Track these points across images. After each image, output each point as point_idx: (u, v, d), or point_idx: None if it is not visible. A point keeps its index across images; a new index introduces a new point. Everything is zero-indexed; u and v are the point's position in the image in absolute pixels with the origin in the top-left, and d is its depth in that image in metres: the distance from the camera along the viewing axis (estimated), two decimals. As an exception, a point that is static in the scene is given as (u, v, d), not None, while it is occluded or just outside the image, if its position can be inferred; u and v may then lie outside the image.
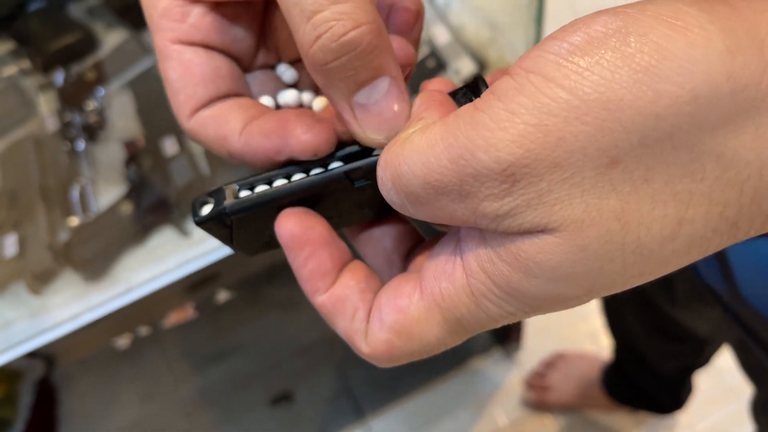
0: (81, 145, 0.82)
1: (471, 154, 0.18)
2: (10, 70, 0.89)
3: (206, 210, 0.24)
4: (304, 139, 0.24)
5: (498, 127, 0.17)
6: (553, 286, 0.19)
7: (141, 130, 0.83)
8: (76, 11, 0.94)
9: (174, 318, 0.87)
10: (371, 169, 0.23)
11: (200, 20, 0.25)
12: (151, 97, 0.86)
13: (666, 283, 0.81)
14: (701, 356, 0.99)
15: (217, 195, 0.24)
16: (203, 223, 0.24)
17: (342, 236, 0.26)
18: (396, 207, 0.21)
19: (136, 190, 0.78)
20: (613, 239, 0.18)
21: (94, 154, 0.83)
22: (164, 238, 0.77)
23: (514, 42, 0.82)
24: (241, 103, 0.26)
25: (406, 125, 0.22)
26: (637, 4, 0.17)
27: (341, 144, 0.25)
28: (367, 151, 0.24)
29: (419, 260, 0.26)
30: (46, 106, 0.86)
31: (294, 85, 0.29)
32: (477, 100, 0.19)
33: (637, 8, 0.17)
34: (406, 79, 0.25)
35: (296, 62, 0.29)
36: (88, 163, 0.82)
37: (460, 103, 0.23)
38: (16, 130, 0.86)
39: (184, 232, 0.76)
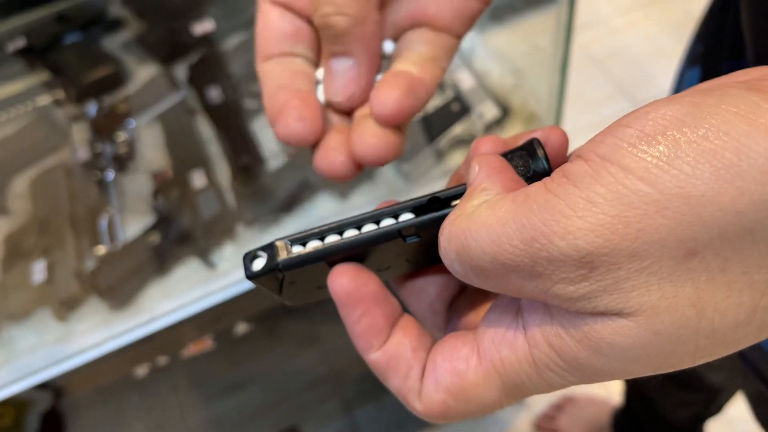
0: (111, 175, 0.84)
1: (547, 239, 0.18)
2: (44, 100, 0.92)
3: (258, 265, 0.25)
4: (278, 130, 0.28)
5: (576, 215, 0.18)
6: (622, 365, 0.19)
7: (169, 163, 0.85)
8: (110, 45, 0.97)
9: (192, 349, 0.88)
10: (422, 226, 0.24)
11: None
12: (180, 131, 0.89)
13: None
14: (713, 405, 0.99)
15: (269, 250, 0.24)
16: (255, 278, 0.25)
17: (388, 286, 0.27)
18: (459, 276, 0.22)
19: (163, 222, 0.80)
20: (687, 324, 0.18)
21: (123, 185, 0.85)
22: (189, 270, 0.78)
23: (537, 89, 0.84)
24: (288, 68, 0.30)
25: (469, 194, 0.22)
26: (707, 92, 0.18)
27: (396, 207, 0.25)
28: (418, 209, 0.25)
29: (467, 313, 0.27)
30: (78, 136, 0.88)
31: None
32: (548, 182, 0.19)
33: (714, 96, 0.17)
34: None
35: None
36: (117, 193, 0.83)
37: (518, 169, 0.24)
38: (48, 158, 0.88)
39: (209, 264, 0.77)
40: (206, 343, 0.88)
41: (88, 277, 0.77)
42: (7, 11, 0.99)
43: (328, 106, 0.30)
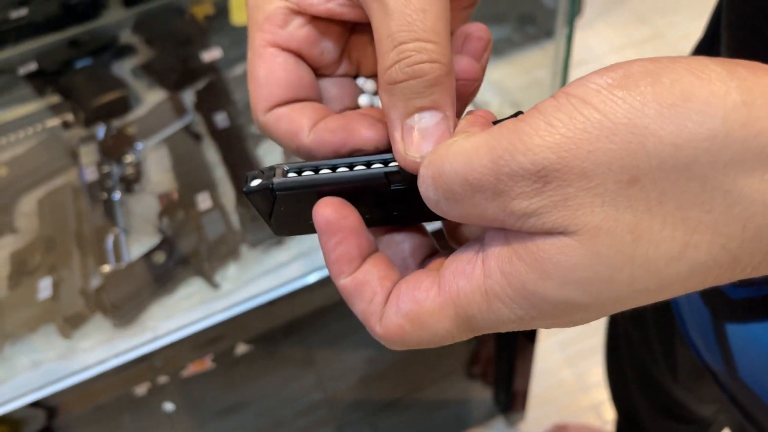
0: (117, 196, 0.86)
1: (510, 155, 0.20)
2: (54, 122, 0.94)
3: (255, 182, 0.26)
4: (366, 135, 0.27)
5: (537, 135, 0.20)
6: (565, 290, 0.21)
7: (175, 185, 0.87)
8: (119, 71, 1.00)
9: (192, 368, 0.88)
10: (409, 174, 0.25)
11: (298, 30, 0.29)
12: (186, 154, 0.91)
13: (669, 361, 0.83)
14: (704, 437, 0.99)
15: (268, 172, 0.27)
16: (250, 194, 0.27)
17: None
18: (431, 204, 0.23)
19: (167, 242, 0.81)
20: (624, 250, 0.20)
21: (129, 205, 0.86)
22: (193, 290, 0.79)
23: (534, 120, 0.87)
24: (313, 106, 0.29)
25: (453, 135, 0.24)
26: (671, 57, 0.20)
27: (387, 150, 0.27)
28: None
29: (436, 263, 0.28)
30: (86, 157, 0.90)
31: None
32: (520, 116, 0.21)
33: (671, 59, 0.20)
34: (472, 95, 0.29)
35: (372, 77, 0.33)
36: (123, 213, 0.85)
37: None
38: (56, 179, 0.90)
39: (212, 285, 0.79)
40: (206, 364, 0.89)
41: (93, 295, 0.78)
42: (21, 36, 1.02)
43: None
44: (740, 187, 0.19)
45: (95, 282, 0.79)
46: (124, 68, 1.00)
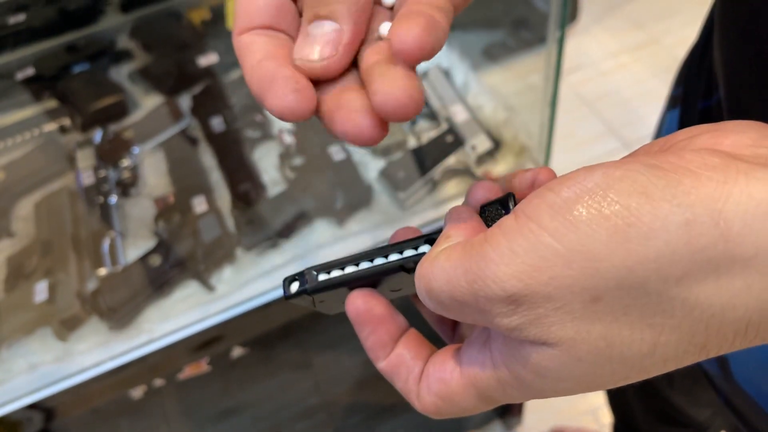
0: (114, 199, 0.86)
1: (483, 282, 0.22)
2: (51, 126, 0.95)
3: (294, 288, 0.31)
4: (272, 103, 0.26)
5: (503, 263, 0.22)
6: (560, 385, 0.24)
7: (171, 189, 0.88)
8: (116, 76, 1.00)
9: (188, 371, 0.89)
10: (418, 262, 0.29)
11: None
12: (183, 158, 0.91)
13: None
14: (701, 440, 0.99)
15: (302, 277, 0.31)
16: (290, 298, 0.31)
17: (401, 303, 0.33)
18: (430, 308, 0.26)
19: (164, 245, 0.82)
20: (601, 353, 0.22)
21: (125, 209, 0.87)
22: (188, 292, 0.80)
23: (528, 124, 0.87)
24: (272, 41, 0.28)
25: (437, 242, 0.27)
26: (618, 165, 0.21)
27: (401, 243, 0.30)
28: (417, 245, 0.30)
29: (468, 325, 0.32)
30: (83, 161, 0.90)
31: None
32: (488, 233, 0.23)
33: (618, 173, 0.21)
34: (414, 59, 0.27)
35: None
36: (120, 217, 0.86)
37: (490, 220, 0.29)
38: (53, 183, 0.90)
39: (208, 287, 0.79)
40: (202, 366, 0.89)
41: (89, 298, 0.78)
42: (19, 41, 1.03)
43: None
44: (695, 294, 0.20)
45: (91, 285, 0.80)
46: (121, 73, 1.01)
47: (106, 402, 0.87)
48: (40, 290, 0.78)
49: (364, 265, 0.30)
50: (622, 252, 0.20)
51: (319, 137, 0.90)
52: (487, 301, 0.22)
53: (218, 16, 1.04)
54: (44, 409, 0.78)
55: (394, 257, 0.30)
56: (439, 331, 0.34)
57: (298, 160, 0.89)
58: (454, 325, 0.34)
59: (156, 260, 0.80)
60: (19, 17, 1.05)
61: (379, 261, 0.30)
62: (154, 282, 0.79)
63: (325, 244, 0.83)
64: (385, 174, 0.86)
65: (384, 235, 0.83)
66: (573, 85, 1.96)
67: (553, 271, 0.21)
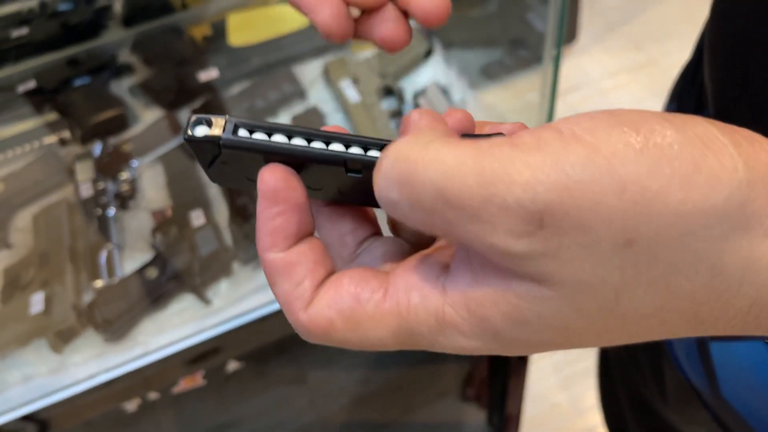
0: (112, 212, 0.87)
1: (506, 186, 0.18)
2: (51, 139, 0.95)
3: (200, 131, 0.24)
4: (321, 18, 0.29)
5: (542, 172, 0.18)
6: (538, 336, 0.21)
7: (170, 202, 0.88)
8: (117, 89, 1.01)
9: (183, 385, 0.88)
10: (368, 166, 0.24)
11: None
12: (181, 172, 0.92)
13: (658, 382, 0.83)
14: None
15: (216, 121, 0.25)
16: (192, 143, 0.25)
17: None
18: (387, 205, 0.21)
19: (160, 258, 0.82)
20: (605, 306, 0.20)
21: (123, 221, 0.87)
22: (184, 305, 0.80)
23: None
24: None
25: (416, 132, 0.22)
26: (682, 118, 0.20)
27: (346, 136, 0.25)
28: (368, 146, 0.25)
29: (377, 256, 0.27)
30: (82, 174, 0.91)
31: None
32: (515, 138, 0.19)
33: (682, 123, 0.19)
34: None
35: None
36: (118, 229, 0.86)
37: None
38: (52, 195, 0.90)
39: (204, 301, 0.79)
40: (197, 380, 0.89)
41: (85, 310, 0.78)
42: (21, 55, 1.03)
43: None
44: (724, 261, 0.19)
45: (88, 297, 0.80)
46: (121, 87, 1.01)
47: (100, 415, 0.87)
48: (36, 302, 0.78)
49: (298, 142, 0.25)
50: (679, 196, 0.18)
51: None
52: (499, 210, 0.18)
53: (219, 32, 1.05)
54: (38, 421, 0.78)
55: (337, 147, 0.24)
56: (335, 252, 0.28)
57: (296, 175, 0.89)
58: (357, 254, 0.28)
59: (153, 273, 0.80)
60: (22, 30, 1.06)
61: (317, 145, 0.25)
62: (150, 295, 0.79)
63: (321, 258, 0.83)
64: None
65: (380, 251, 0.83)
66: (572, 104, 1.97)
67: (599, 196, 0.18)
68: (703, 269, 0.19)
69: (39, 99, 0.99)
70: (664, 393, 0.84)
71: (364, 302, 0.23)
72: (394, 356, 1.18)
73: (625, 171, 0.18)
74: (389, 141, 0.24)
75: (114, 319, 0.77)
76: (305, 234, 0.25)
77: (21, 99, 0.99)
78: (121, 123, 0.96)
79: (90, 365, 0.76)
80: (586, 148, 0.18)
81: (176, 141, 0.94)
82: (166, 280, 0.80)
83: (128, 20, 1.09)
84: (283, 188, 0.24)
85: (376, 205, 0.26)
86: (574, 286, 0.19)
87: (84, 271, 0.82)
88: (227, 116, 0.25)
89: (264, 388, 1.05)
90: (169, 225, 0.85)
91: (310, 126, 0.26)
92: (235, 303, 0.79)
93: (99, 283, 0.80)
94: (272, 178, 0.24)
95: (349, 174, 0.25)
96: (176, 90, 0.99)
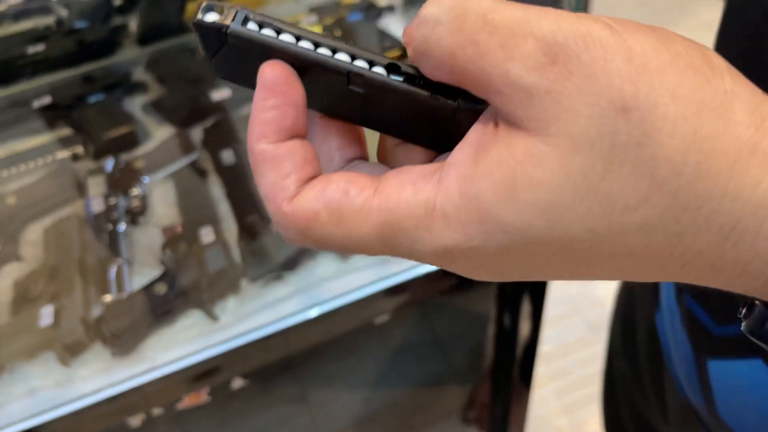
0: (122, 227, 0.88)
1: (537, 20, 0.20)
2: (64, 154, 0.96)
3: (210, 17, 0.24)
4: None
5: (568, 22, 0.20)
6: (526, 214, 0.20)
7: (179, 218, 0.89)
8: (130, 106, 1.02)
9: (187, 401, 0.89)
10: (371, 82, 0.24)
11: None
12: (192, 189, 0.93)
13: (659, 402, 0.83)
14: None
15: (227, 11, 0.24)
16: (200, 28, 0.24)
17: None
18: (424, 31, 0.21)
19: (169, 274, 0.83)
20: (591, 177, 0.19)
21: (133, 237, 0.88)
22: (192, 321, 0.80)
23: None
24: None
25: None
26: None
27: (351, 47, 0.25)
28: (374, 62, 0.25)
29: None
30: (94, 189, 0.92)
31: None
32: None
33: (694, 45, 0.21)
34: None
35: None
36: (128, 244, 0.87)
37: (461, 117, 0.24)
38: (63, 209, 0.91)
39: (212, 317, 0.80)
40: (201, 397, 0.89)
41: (94, 324, 0.79)
42: (37, 70, 1.05)
43: None
44: (710, 163, 0.19)
45: (96, 311, 0.81)
46: (135, 104, 1.03)
47: (104, 429, 0.87)
48: (46, 314, 0.79)
49: (305, 45, 0.24)
50: (674, 80, 0.19)
51: (326, 173, 0.91)
52: (524, 36, 0.19)
53: (232, 52, 1.07)
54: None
55: (343, 58, 0.24)
56: (323, 164, 0.27)
57: (305, 195, 0.90)
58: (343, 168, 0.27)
59: (161, 289, 0.81)
60: (38, 47, 1.08)
61: (324, 51, 0.24)
62: (158, 310, 0.80)
63: (329, 278, 0.84)
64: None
65: (388, 271, 0.84)
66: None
67: (609, 55, 0.19)
68: (691, 164, 0.19)
69: (53, 114, 1.01)
70: (665, 413, 0.84)
71: (353, 197, 0.23)
72: (396, 376, 1.18)
73: (634, 43, 0.19)
74: (396, 60, 0.24)
75: (122, 334, 0.78)
76: (298, 133, 0.24)
77: (36, 114, 1.01)
78: (133, 140, 0.97)
79: (96, 379, 0.77)
80: (609, 24, 0.20)
81: (187, 159, 0.95)
82: (175, 296, 0.81)
83: (143, 39, 1.11)
84: (282, 82, 0.24)
85: (371, 126, 0.27)
86: (566, 141, 0.19)
87: (93, 285, 0.83)
88: (239, 7, 0.24)
89: (267, 405, 1.06)
90: (179, 241, 0.86)
91: None
92: (242, 320, 0.80)
93: (108, 298, 0.81)
94: (273, 71, 0.24)
95: (350, 87, 0.24)
96: (188, 108, 1.01)
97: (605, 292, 1.60)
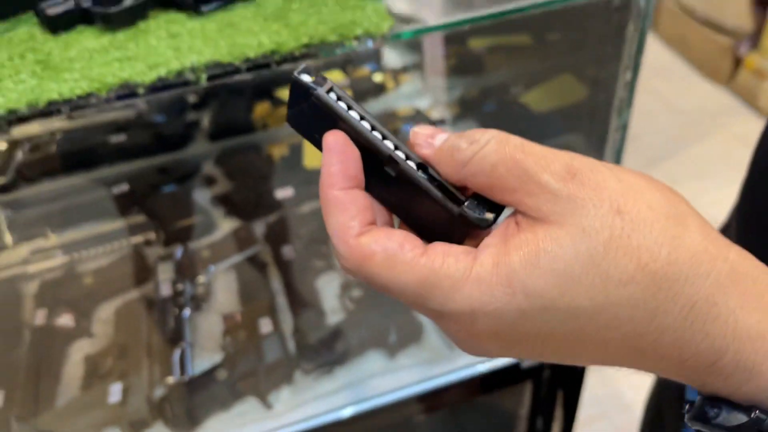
0: (187, 312, 0.95)
1: (559, 156, 0.27)
2: (138, 239, 1.05)
3: (305, 78, 0.30)
4: None
5: (579, 161, 0.27)
6: (543, 279, 0.25)
7: (240, 307, 0.96)
8: (200, 198, 1.11)
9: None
10: (402, 170, 0.30)
11: None
12: (253, 280, 1.00)
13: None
14: None
15: (319, 79, 0.30)
16: (294, 83, 0.30)
17: None
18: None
19: (229, 360, 0.89)
20: (595, 255, 0.25)
21: (197, 322, 0.95)
22: (247, 407, 0.86)
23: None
24: None
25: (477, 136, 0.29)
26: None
27: (400, 144, 0.31)
28: (409, 157, 0.31)
29: (380, 239, 0.30)
30: (163, 274, 1.00)
31: None
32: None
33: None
34: None
35: None
36: (191, 329, 0.94)
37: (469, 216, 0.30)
38: (134, 291, 0.99)
39: (266, 405, 0.85)
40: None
41: (157, 404, 0.85)
42: (117, 159, 1.15)
43: None
44: (677, 260, 0.25)
45: (160, 391, 0.87)
46: (204, 196, 1.12)
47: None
48: (115, 392, 0.85)
49: (365, 124, 0.30)
50: (662, 201, 0.26)
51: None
52: (553, 162, 0.26)
53: (296, 153, 1.16)
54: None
55: (388, 144, 0.30)
56: None
57: (357, 292, 0.97)
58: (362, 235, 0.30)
59: (221, 374, 0.87)
60: (120, 137, 1.18)
61: (376, 134, 0.30)
62: (216, 395, 0.86)
63: (376, 374, 0.89)
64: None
65: (432, 372, 0.89)
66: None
67: (609, 175, 0.26)
68: (663, 253, 0.25)
69: (130, 201, 1.10)
70: None
71: (406, 251, 0.28)
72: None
73: (620, 172, 0.27)
74: (427, 165, 0.30)
75: (182, 415, 0.83)
76: (359, 185, 0.30)
77: (114, 199, 1.10)
78: (201, 230, 1.06)
79: (155, 457, 0.82)
80: (602, 162, 0.27)
81: (250, 251, 1.03)
82: (233, 383, 0.86)
83: (214, 135, 1.21)
84: (343, 143, 0.30)
85: (390, 206, 0.32)
86: (578, 230, 0.25)
87: (158, 365, 0.89)
88: (329, 78, 0.30)
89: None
90: (239, 329, 0.93)
91: None
92: (294, 409, 0.85)
93: (171, 380, 0.87)
94: (335, 138, 0.30)
95: (385, 168, 0.30)
96: (253, 203, 1.09)
97: (635, 397, 1.62)
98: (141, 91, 0.55)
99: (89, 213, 1.10)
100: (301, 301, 0.96)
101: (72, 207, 1.10)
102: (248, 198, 1.10)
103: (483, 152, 0.28)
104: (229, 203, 1.10)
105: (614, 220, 0.25)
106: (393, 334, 0.91)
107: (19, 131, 1.14)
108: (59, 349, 0.92)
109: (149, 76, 0.55)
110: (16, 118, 0.54)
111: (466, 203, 0.30)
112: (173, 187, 1.12)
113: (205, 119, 1.23)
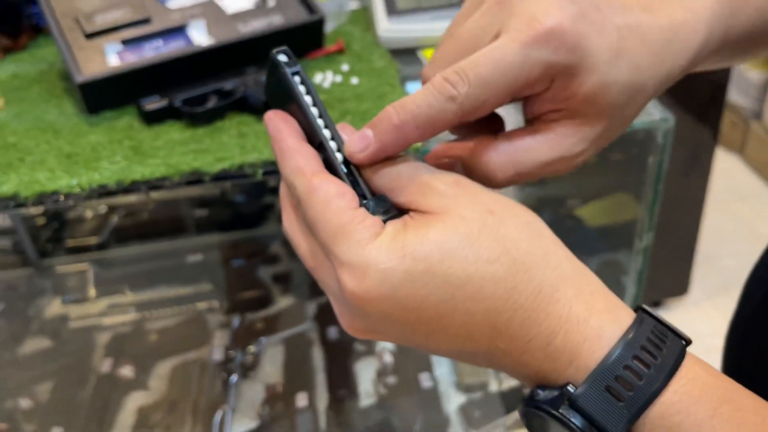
0: (234, 378, 1.03)
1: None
2: (202, 305, 1.15)
3: (281, 57, 0.34)
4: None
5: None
6: (428, 248, 0.29)
7: (282, 379, 1.03)
8: (263, 274, 1.21)
9: None
10: (326, 155, 0.33)
11: None
12: (297, 355, 1.07)
13: None
14: None
15: (290, 61, 0.34)
16: (271, 59, 0.34)
17: None
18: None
19: (264, 427, 0.95)
20: (470, 237, 0.29)
21: (241, 389, 1.02)
22: (274, 475, 0.91)
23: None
24: None
25: None
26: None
27: (335, 128, 0.34)
28: (334, 137, 0.34)
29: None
30: (219, 340, 1.09)
31: None
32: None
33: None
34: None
35: None
36: (236, 394, 1.01)
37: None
38: (191, 352, 1.08)
39: (291, 475, 0.90)
40: None
41: (193, 460, 0.92)
42: (197, 231, 1.27)
43: None
44: (535, 251, 0.30)
45: (198, 449, 0.94)
46: (267, 273, 1.22)
47: None
48: (158, 443, 0.93)
49: (314, 110, 0.34)
50: (523, 208, 0.32)
51: (412, 362, 1.03)
52: (445, 173, 0.32)
53: (355, 242, 1.25)
54: None
55: (326, 133, 0.33)
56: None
57: (391, 379, 1.02)
58: None
59: (255, 440, 0.93)
60: (203, 211, 1.30)
61: (320, 122, 0.34)
62: (248, 459, 0.92)
63: (398, 460, 0.93)
64: (463, 409, 0.97)
65: (451, 466, 0.92)
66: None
67: (482, 188, 0.32)
68: (524, 242, 0.30)
69: (201, 270, 1.21)
70: None
71: (348, 199, 0.31)
72: None
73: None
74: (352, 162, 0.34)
75: (213, 474, 0.90)
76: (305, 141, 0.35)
77: (187, 267, 1.22)
78: (259, 303, 1.15)
79: None
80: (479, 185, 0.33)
81: (300, 328, 1.11)
82: (264, 450, 0.93)
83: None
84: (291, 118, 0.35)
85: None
86: (458, 218, 0.30)
87: (200, 425, 0.97)
88: (300, 64, 0.35)
89: None
90: (277, 400, 0.99)
91: None
92: (316, 484, 0.90)
93: (209, 439, 0.94)
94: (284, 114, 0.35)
95: (317, 148, 0.34)
96: (309, 284, 1.18)
97: None
98: (206, 178, 0.65)
99: (165, 277, 1.21)
100: (338, 381, 1.02)
101: (151, 270, 1.22)
102: (305, 279, 1.19)
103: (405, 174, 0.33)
104: (287, 281, 1.19)
105: (487, 216, 0.30)
106: (419, 424, 0.95)
107: (117, 199, 1.29)
108: (117, 397, 1.01)
109: (215, 167, 0.66)
110: (105, 192, 0.65)
111: (369, 200, 0.33)
112: (241, 261, 1.23)
113: (277, 202, 1.34)
